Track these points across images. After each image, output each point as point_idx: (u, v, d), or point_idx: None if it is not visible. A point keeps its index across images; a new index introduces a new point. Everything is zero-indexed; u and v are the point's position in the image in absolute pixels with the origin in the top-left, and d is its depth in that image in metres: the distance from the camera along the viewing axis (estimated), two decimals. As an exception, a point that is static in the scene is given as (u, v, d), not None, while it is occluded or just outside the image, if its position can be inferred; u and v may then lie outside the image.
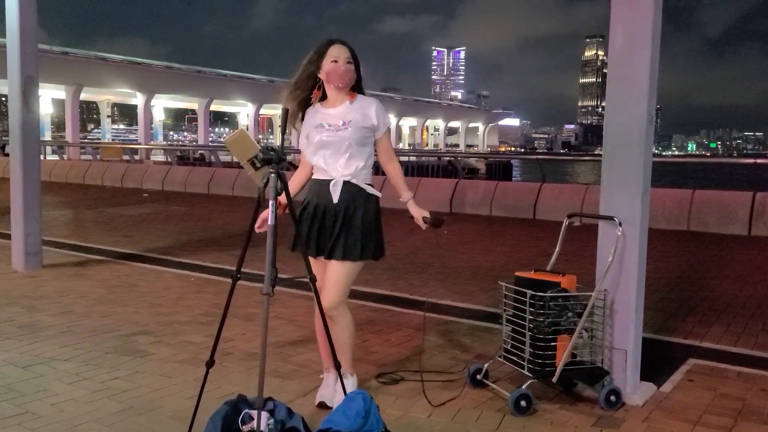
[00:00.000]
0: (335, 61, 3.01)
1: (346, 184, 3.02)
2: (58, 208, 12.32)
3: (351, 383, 3.16)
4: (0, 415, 2.97)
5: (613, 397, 3.19)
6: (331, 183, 3.02)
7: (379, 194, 3.09)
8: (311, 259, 3.06)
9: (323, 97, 3.13)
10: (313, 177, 3.13)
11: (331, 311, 3.02)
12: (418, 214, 3.06)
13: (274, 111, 61.86)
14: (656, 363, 3.80)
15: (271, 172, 2.60)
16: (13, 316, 4.65)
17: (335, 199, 3.00)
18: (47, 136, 43.30)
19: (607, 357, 3.36)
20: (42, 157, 23.53)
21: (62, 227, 9.66)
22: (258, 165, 2.64)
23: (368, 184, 3.08)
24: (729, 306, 5.40)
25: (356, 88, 3.12)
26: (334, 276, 3.02)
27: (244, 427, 2.54)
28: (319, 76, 3.07)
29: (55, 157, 28.08)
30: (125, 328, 4.41)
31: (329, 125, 3.03)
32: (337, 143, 3.01)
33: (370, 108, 3.06)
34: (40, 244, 6.45)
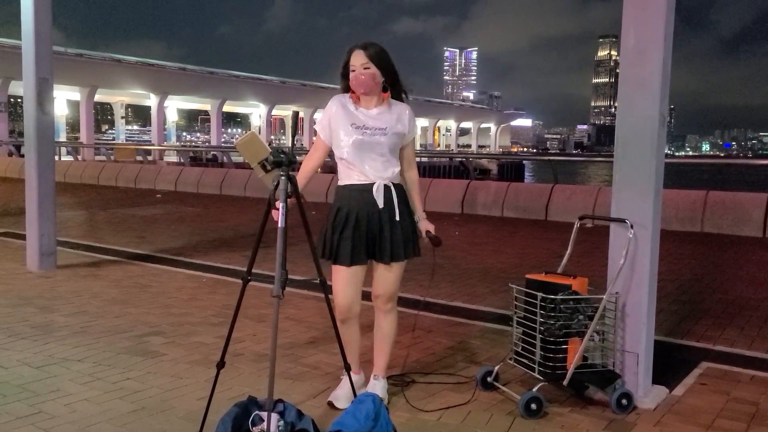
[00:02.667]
0: (353, 70, 3.01)
1: (387, 188, 3.05)
2: (73, 209, 12.43)
3: (381, 385, 3.20)
4: (14, 415, 3.01)
5: (624, 401, 3.17)
6: (375, 188, 3.02)
7: (410, 203, 3.17)
8: (350, 272, 3.07)
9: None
10: (346, 183, 3.09)
11: (386, 305, 3.18)
12: (424, 227, 3.18)
13: (286, 112, 62.06)
14: (668, 366, 3.78)
15: (282, 175, 2.62)
16: (27, 317, 4.70)
17: (380, 204, 3.02)
18: (62, 137, 43.69)
19: (619, 360, 3.34)
20: (57, 158, 23.82)
21: (76, 228, 9.75)
22: (268, 167, 2.65)
23: (397, 185, 3.12)
24: (743, 309, 5.35)
25: (391, 89, 3.09)
26: (387, 276, 3.13)
27: (254, 428, 2.55)
28: None
29: (70, 158, 28.32)
30: (138, 329, 4.45)
31: (367, 127, 3.03)
32: (375, 147, 3.02)
33: (403, 115, 3.11)
34: (54, 244, 6.51)
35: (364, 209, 3.03)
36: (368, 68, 2.98)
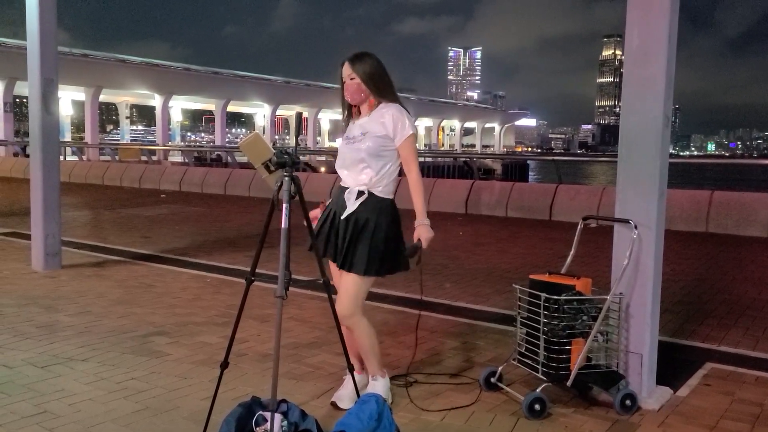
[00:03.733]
0: (344, 83, 3.08)
1: (360, 194, 3.03)
2: (78, 209, 12.46)
3: (381, 385, 3.19)
4: (19, 415, 3.02)
5: (628, 402, 3.17)
6: (346, 193, 3.05)
7: (390, 197, 3.07)
8: (331, 263, 3.12)
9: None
10: (339, 183, 3.20)
11: (345, 321, 3.05)
12: (417, 234, 3.02)
13: (290, 112, 62.13)
14: (673, 367, 3.77)
15: (285, 176, 2.62)
16: (32, 317, 4.71)
17: (350, 208, 3.02)
18: (67, 137, 43.83)
19: (623, 361, 3.33)
20: (62, 158, 23.86)
21: (81, 228, 9.78)
22: (272, 168, 2.66)
23: (386, 198, 3.05)
24: (748, 309, 5.34)
25: (378, 96, 3.09)
26: (344, 286, 3.05)
27: (257, 428, 2.56)
28: None
29: (75, 158, 28.41)
30: (142, 329, 4.46)
31: (350, 136, 3.10)
32: (352, 154, 3.06)
33: (386, 117, 3.05)
34: (59, 244, 6.53)
35: (337, 210, 3.08)
36: (353, 78, 3.05)
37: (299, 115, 2.72)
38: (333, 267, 3.16)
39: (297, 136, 2.79)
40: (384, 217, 3.02)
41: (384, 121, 3.04)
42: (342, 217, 3.04)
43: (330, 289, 2.91)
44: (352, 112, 3.19)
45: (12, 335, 4.25)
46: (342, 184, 3.14)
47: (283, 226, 2.59)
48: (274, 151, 2.66)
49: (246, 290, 2.77)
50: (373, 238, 2.99)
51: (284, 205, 2.61)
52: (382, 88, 3.08)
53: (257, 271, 2.81)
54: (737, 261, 7.73)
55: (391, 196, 3.09)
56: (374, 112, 3.09)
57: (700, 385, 3.59)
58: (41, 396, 3.25)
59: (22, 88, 36.26)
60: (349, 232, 3.01)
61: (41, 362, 3.75)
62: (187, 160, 25.15)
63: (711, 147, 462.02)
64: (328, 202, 3.18)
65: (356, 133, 3.08)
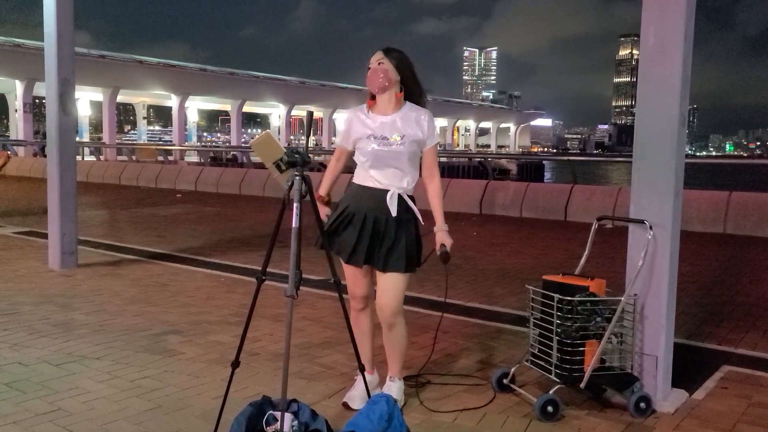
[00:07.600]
0: (369, 68, 3.04)
1: (400, 198, 3.03)
2: (94, 208, 12.58)
3: (397, 387, 3.19)
4: (33, 412, 3.05)
5: (642, 404, 3.13)
6: (389, 195, 3.01)
7: (419, 216, 3.10)
8: (352, 267, 3.09)
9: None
10: (360, 183, 3.09)
11: (393, 318, 3.09)
12: (440, 239, 3.08)
13: (305, 112, 62.38)
14: (688, 369, 3.73)
15: (296, 175, 2.62)
16: (48, 314, 4.76)
17: (394, 212, 3.00)
18: (85, 138, 44.30)
19: (637, 363, 3.30)
20: (80, 158, 24.04)
21: (98, 227, 9.86)
22: (283, 167, 2.66)
23: (410, 197, 3.09)
24: (765, 311, 5.26)
25: (411, 96, 3.08)
26: (391, 285, 3.05)
27: (268, 428, 2.56)
28: None
29: (93, 158, 28.69)
30: (156, 328, 4.48)
31: (384, 137, 3.02)
32: (391, 156, 3.01)
33: (422, 120, 3.05)
34: (75, 243, 6.59)
35: (372, 213, 3.03)
36: (382, 63, 3.01)
37: (310, 114, 2.72)
38: (358, 271, 3.11)
39: (308, 135, 2.79)
40: (411, 215, 3.08)
41: (420, 124, 3.04)
42: (385, 221, 3.01)
43: (341, 289, 2.90)
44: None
45: (28, 333, 4.29)
46: (369, 184, 3.05)
47: (294, 225, 2.59)
48: (285, 150, 2.66)
49: (257, 289, 2.77)
50: (408, 236, 3.04)
51: (295, 205, 2.60)
52: (412, 87, 3.07)
53: (269, 270, 2.81)
54: (755, 263, 7.63)
55: (413, 195, 3.12)
56: (409, 113, 3.05)
57: (716, 388, 3.54)
58: (55, 393, 3.27)
59: (41, 89, 36.71)
60: (393, 233, 3.02)
61: (56, 360, 3.78)
62: (203, 160, 25.30)
63: (729, 147, 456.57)
64: (348, 203, 3.11)
65: (388, 134, 3.01)
